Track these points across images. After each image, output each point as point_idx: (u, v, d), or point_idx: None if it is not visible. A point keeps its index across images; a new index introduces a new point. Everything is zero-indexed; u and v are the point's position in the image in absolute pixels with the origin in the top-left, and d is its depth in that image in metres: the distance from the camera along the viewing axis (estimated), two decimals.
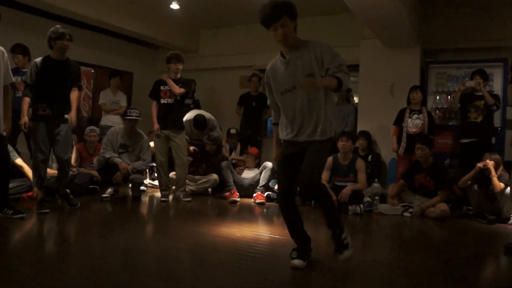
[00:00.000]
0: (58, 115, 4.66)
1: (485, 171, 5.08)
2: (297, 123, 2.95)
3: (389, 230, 4.76)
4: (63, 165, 4.81)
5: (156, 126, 5.68)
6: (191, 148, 6.40)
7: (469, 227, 4.81)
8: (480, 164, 5.16)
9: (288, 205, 3.12)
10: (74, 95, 4.79)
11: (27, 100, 4.58)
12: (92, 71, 8.55)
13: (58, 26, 4.67)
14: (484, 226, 4.83)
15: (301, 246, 3.06)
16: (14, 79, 4.63)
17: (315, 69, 2.90)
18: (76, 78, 4.85)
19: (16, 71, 5.59)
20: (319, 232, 3.94)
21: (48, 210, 4.44)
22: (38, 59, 4.63)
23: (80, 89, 4.91)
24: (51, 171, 5.27)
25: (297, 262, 2.92)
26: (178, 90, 5.62)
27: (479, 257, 3.62)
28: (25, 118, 4.54)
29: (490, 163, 5.06)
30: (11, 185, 4.53)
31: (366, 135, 6.68)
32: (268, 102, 3.23)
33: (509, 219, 4.89)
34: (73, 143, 5.97)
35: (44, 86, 4.59)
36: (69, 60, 4.76)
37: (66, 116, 4.70)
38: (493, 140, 5.90)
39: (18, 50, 5.98)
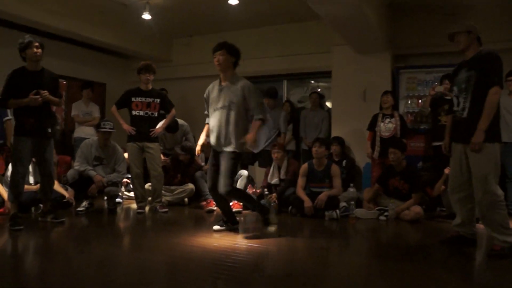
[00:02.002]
0: (43, 130, 4.56)
1: None
2: (217, 133, 4.26)
3: (365, 234, 4.81)
4: (49, 179, 4.74)
5: (127, 126, 5.65)
6: (163, 159, 6.33)
7: (443, 228, 4.90)
8: (447, 171, 5.29)
9: (217, 196, 4.39)
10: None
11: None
12: (64, 82, 8.43)
13: (26, 36, 4.52)
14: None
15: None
16: None
17: (237, 100, 4.19)
18: (55, 88, 4.68)
19: None
20: (297, 240, 3.96)
21: (22, 227, 4.34)
22: (14, 71, 4.46)
23: (60, 97, 4.82)
24: (27, 187, 5.16)
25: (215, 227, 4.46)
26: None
27: (452, 257, 3.69)
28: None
29: None
30: None
31: (339, 140, 6.75)
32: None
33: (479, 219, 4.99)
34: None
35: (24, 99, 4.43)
36: (44, 70, 4.62)
37: (49, 130, 4.63)
38: None
39: None
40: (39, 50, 4.48)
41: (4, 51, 7.13)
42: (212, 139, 4.31)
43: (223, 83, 4.31)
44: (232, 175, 4.28)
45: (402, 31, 7.36)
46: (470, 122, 3.63)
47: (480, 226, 3.99)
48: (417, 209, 5.25)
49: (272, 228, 4.59)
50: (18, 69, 4.50)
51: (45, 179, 4.72)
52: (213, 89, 4.39)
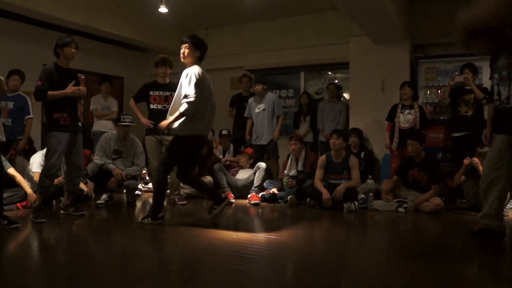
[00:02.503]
0: (76, 124, 4.74)
1: (474, 167, 5.12)
2: None
3: (384, 226, 4.78)
4: (79, 171, 4.91)
5: (145, 120, 5.71)
6: None
7: (463, 220, 4.84)
8: (466, 162, 5.21)
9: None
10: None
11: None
12: (83, 77, 8.49)
13: (64, 34, 4.74)
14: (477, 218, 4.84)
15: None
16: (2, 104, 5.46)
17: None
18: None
19: (2, 95, 5.67)
20: (315, 232, 3.96)
21: (44, 219, 4.41)
22: (50, 66, 4.61)
23: None
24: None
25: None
26: None
27: (474, 250, 3.64)
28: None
29: (476, 160, 5.09)
30: (4, 195, 4.50)
31: (357, 132, 6.71)
32: None
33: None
34: None
35: (59, 96, 4.57)
36: (71, 68, 4.80)
37: (79, 123, 4.84)
38: None
39: (17, 72, 5.93)
40: (76, 51, 4.69)
41: (23, 46, 7.26)
42: None
43: None
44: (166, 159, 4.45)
45: (421, 21, 7.25)
46: None
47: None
48: (437, 200, 5.20)
49: (141, 220, 4.49)
50: (52, 64, 4.65)
51: (74, 170, 4.84)
52: None
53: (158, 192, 4.50)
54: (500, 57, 3.64)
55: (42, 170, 4.65)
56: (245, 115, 6.98)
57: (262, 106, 6.74)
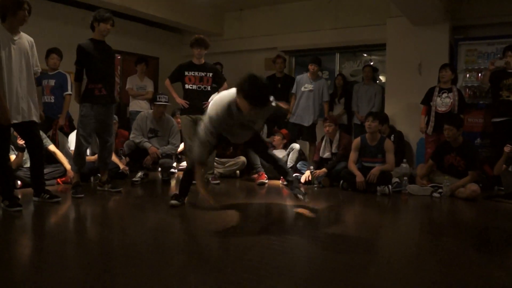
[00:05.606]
0: (111, 95, 4.79)
1: None
2: None
3: (418, 210, 4.72)
4: (109, 148, 4.93)
5: (180, 100, 5.77)
6: None
7: (500, 208, 4.73)
8: (506, 149, 5.04)
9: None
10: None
11: (78, 86, 4.78)
12: (119, 57, 8.65)
13: (103, 9, 4.77)
14: None
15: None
16: (44, 82, 5.64)
17: None
18: (114, 59, 5.04)
19: (45, 74, 5.82)
20: (347, 214, 3.95)
21: (83, 195, 4.58)
22: (84, 42, 4.69)
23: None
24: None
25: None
26: None
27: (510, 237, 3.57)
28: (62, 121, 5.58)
29: None
30: (45, 170, 4.66)
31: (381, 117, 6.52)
32: None
33: None
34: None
35: (94, 67, 4.66)
36: (106, 43, 4.86)
37: (114, 94, 4.88)
38: None
39: (55, 51, 6.06)
40: (111, 27, 4.74)
41: (60, 27, 7.39)
42: None
43: None
44: None
45: (461, 1, 7.02)
46: None
47: None
48: (474, 187, 5.06)
49: None
50: (87, 40, 4.71)
51: (106, 147, 4.89)
52: None
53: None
54: None
55: (74, 147, 4.78)
56: (292, 91, 6.98)
57: (310, 86, 6.74)
